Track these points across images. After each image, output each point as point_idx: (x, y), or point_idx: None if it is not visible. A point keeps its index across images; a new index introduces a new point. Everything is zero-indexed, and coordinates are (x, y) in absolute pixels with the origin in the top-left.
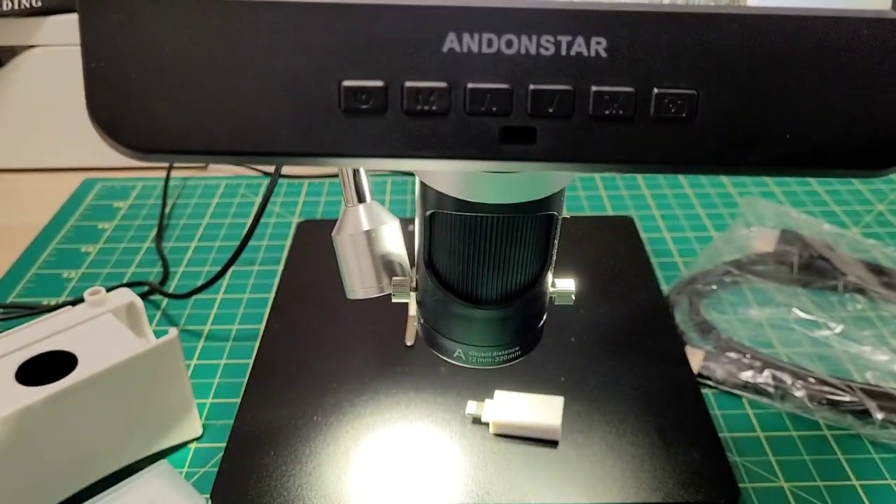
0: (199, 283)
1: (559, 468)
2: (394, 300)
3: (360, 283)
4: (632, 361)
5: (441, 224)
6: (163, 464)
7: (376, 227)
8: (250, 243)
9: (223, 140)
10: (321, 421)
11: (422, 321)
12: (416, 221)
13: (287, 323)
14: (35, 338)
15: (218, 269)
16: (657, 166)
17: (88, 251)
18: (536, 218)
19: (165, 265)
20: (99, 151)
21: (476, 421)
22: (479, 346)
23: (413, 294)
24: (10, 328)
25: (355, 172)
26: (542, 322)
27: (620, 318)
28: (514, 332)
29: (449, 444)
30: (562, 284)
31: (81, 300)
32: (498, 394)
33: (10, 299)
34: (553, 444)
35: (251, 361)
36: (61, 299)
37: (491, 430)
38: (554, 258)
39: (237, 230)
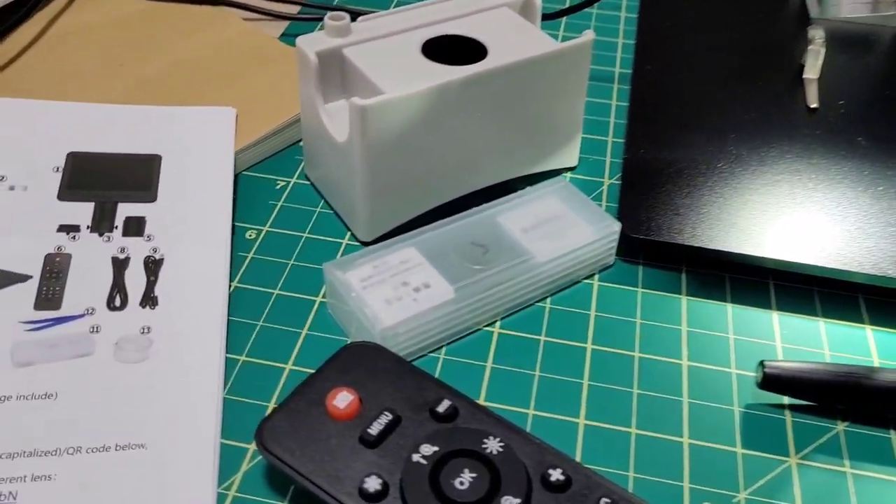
0: None
1: None
2: None
3: None
4: None
5: None
6: (561, 181)
7: None
8: None
9: None
10: (725, 168)
11: None
12: None
13: (657, 64)
14: (435, 17)
15: None
16: None
17: None
18: None
19: None
20: None
21: None
22: None
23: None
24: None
25: None
26: None
27: None
28: None
29: (877, 216)
30: None
31: None
32: None
33: None
34: None
35: (625, 103)
36: None
37: None
38: None
39: None
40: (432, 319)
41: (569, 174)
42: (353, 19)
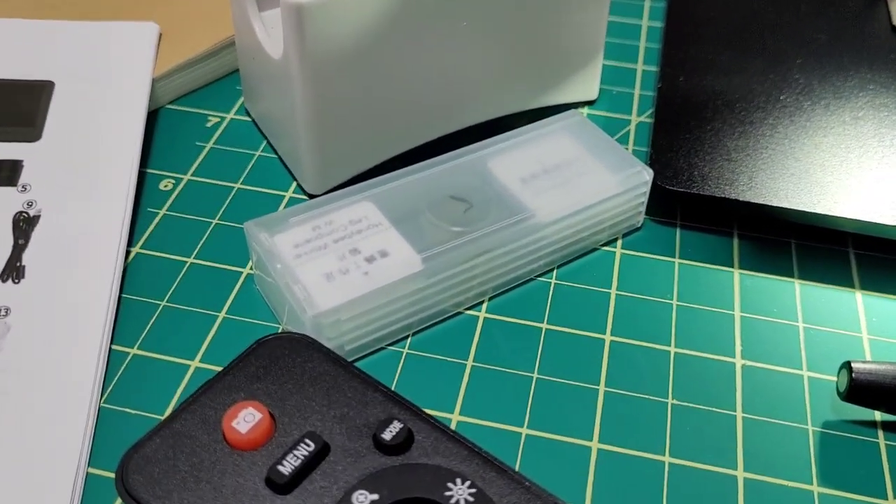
0: None
1: None
2: None
3: None
4: None
5: None
6: (575, 114)
7: None
8: None
9: None
10: (790, 101)
11: None
12: None
13: None
14: None
15: None
16: None
17: None
18: None
19: None
20: None
21: None
22: None
23: None
24: None
25: None
26: None
27: None
28: None
29: None
30: None
31: None
32: None
33: None
34: None
35: (658, 23)
36: None
37: None
38: None
39: None
40: (390, 301)
41: (585, 109)
42: None
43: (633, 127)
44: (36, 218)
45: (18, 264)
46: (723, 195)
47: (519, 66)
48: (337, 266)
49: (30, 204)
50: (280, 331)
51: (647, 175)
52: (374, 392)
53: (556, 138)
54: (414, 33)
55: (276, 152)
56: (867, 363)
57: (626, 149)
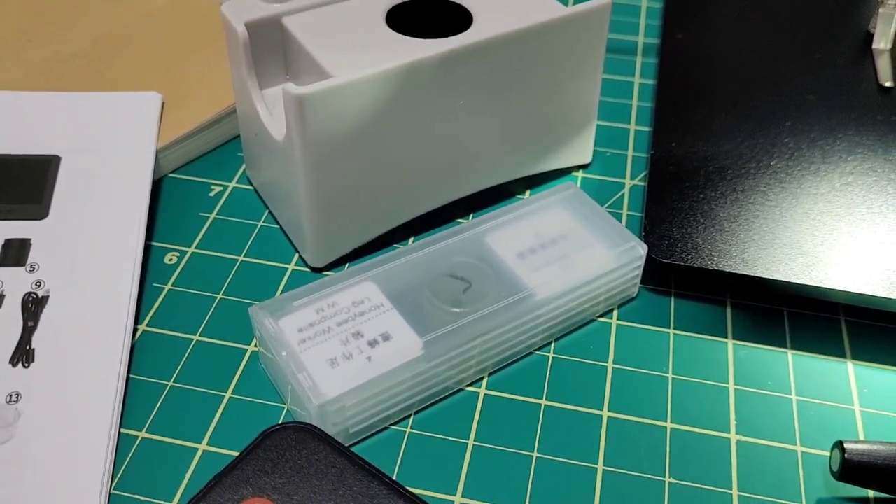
0: None
1: None
2: None
3: None
4: None
5: None
6: (571, 186)
7: None
8: None
9: None
10: (779, 167)
11: None
12: None
13: (690, 33)
14: None
15: None
16: None
17: None
18: None
19: None
20: None
21: None
22: None
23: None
24: None
25: None
26: None
27: None
28: None
29: None
30: None
31: None
32: None
33: None
34: None
35: (650, 80)
36: None
37: None
38: None
39: None
40: (391, 386)
41: (581, 173)
42: None
43: (626, 191)
44: (45, 298)
45: (28, 347)
46: (715, 267)
47: (515, 137)
48: (341, 351)
49: (38, 284)
50: (284, 410)
51: (642, 250)
52: (379, 485)
53: (553, 212)
54: (412, 115)
55: (277, 222)
56: (859, 443)
57: (621, 213)
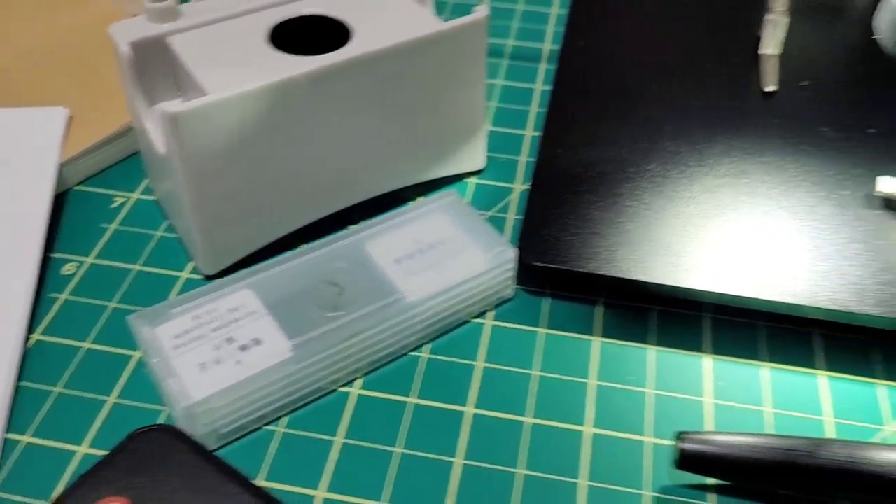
0: None
1: None
2: None
3: None
4: None
5: None
6: (451, 194)
7: None
8: None
9: None
10: (657, 171)
11: None
12: None
13: (591, 41)
14: None
15: None
16: None
17: None
18: None
19: None
20: None
21: (891, 204)
22: None
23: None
24: None
25: None
26: None
27: None
28: None
29: (838, 229)
30: None
31: None
32: None
33: None
34: None
35: (550, 87)
36: None
37: None
38: None
39: None
40: (260, 387)
41: (474, 179)
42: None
43: (515, 196)
44: None
45: None
46: (585, 270)
47: (402, 146)
48: (212, 356)
49: None
50: (165, 414)
51: (511, 253)
52: (235, 485)
53: (432, 218)
54: (289, 129)
55: (176, 231)
56: (698, 434)
57: (507, 218)
